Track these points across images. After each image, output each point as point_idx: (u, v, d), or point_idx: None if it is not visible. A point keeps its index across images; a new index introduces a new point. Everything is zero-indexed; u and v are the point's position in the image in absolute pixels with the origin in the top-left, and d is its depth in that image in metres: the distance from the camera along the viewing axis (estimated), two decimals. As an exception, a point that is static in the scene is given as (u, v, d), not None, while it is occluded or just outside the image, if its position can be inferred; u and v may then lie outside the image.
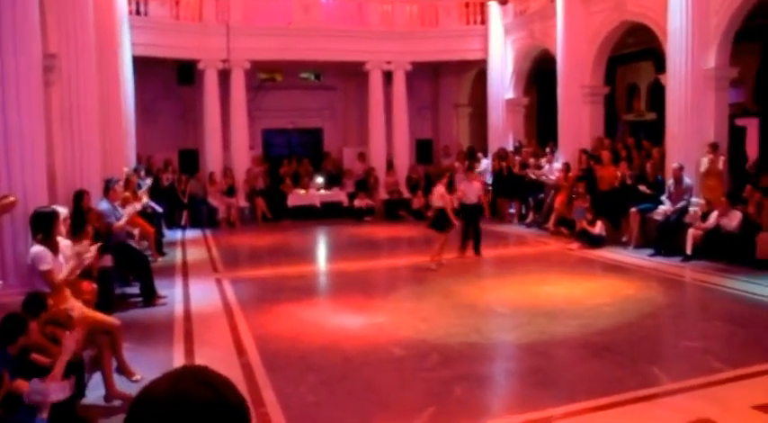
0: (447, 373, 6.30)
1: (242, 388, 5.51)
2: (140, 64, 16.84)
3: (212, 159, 18.92)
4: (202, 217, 17.75)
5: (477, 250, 12.75)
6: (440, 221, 11.62)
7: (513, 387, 6.38)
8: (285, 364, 6.69)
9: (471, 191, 13.09)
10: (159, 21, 17.66)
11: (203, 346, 7.30)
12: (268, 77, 22.04)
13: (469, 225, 12.77)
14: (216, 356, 6.82)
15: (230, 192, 18.40)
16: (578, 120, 16.62)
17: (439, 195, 11.74)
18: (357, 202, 19.12)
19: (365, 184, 19.92)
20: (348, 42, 19.56)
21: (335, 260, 14.03)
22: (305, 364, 6.64)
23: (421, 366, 6.53)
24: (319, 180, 19.91)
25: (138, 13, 17.28)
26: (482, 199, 13.79)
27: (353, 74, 21.11)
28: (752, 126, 17.13)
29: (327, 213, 18.62)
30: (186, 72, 19.88)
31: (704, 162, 12.63)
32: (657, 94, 15.86)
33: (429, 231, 12.03)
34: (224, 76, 18.88)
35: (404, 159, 20.91)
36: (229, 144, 19.18)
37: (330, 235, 16.77)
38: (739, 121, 16.68)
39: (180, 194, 17.68)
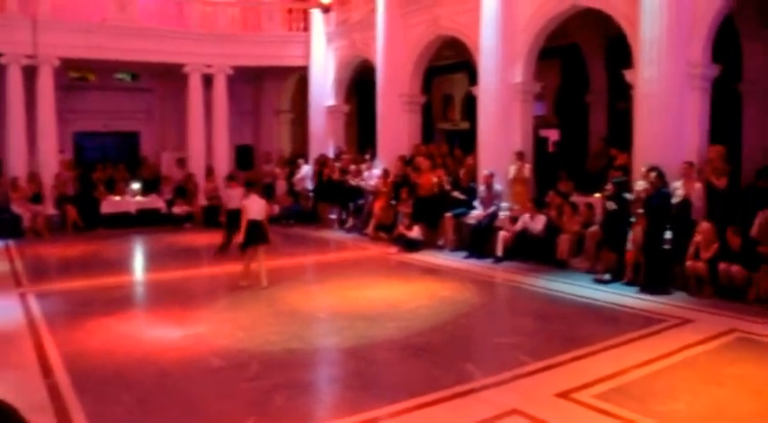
0: (267, 382, 6.23)
1: (48, 413, 5.12)
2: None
3: (16, 164, 17.47)
4: (4, 226, 16.35)
5: (222, 249, 13.16)
6: (260, 234, 10.47)
7: (335, 391, 6.42)
8: (97, 382, 6.29)
9: (232, 197, 13.43)
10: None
11: (2, 370, 6.70)
12: (80, 77, 20.80)
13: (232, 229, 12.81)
14: (16, 380, 6.28)
15: (36, 199, 17.12)
16: (397, 127, 17.14)
17: (260, 207, 10.58)
18: (176, 209, 18.49)
19: (184, 191, 19.29)
20: (166, 43, 18.90)
21: (153, 270, 13.43)
22: (119, 382, 6.28)
23: (241, 376, 6.40)
24: (135, 186, 19.03)
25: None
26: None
27: (172, 76, 20.37)
28: (553, 136, 18.54)
29: (144, 221, 17.83)
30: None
31: (512, 169, 13.49)
32: (471, 105, 16.69)
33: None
34: (30, 74, 17.53)
35: (224, 165, 20.45)
36: (36, 147, 17.83)
37: (147, 243, 16.08)
38: (543, 132, 17.98)
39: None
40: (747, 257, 9.25)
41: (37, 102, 17.69)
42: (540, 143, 16.52)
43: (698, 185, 10.34)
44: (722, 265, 9.34)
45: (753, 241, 9.42)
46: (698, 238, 9.79)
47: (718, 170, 10.52)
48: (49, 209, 17.45)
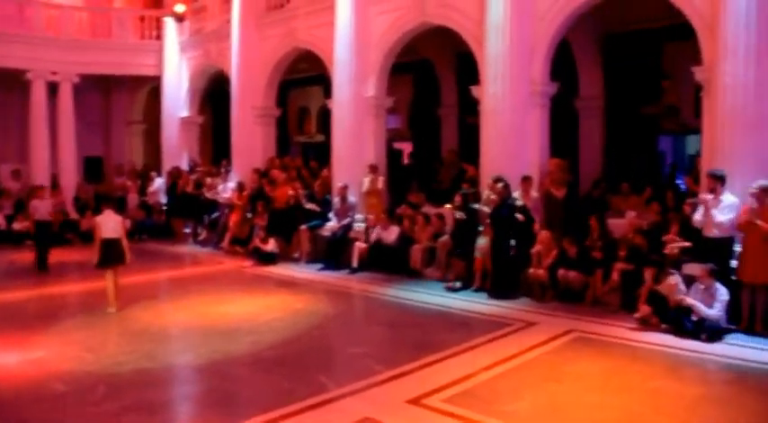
0: (115, 405, 5.95)
1: None
2: None
3: None
4: None
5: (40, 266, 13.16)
6: (115, 254, 9.78)
7: (188, 410, 6.23)
8: None
9: (43, 207, 13.53)
10: None
11: None
12: None
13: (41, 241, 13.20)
14: None
15: None
16: (251, 140, 16.99)
17: (116, 223, 9.85)
18: (16, 225, 17.30)
19: (24, 205, 18.07)
20: (6, 47, 17.71)
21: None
22: (-54, 412, 5.81)
23: (85, 400, 6.07)
24: (-31, 201, 17.69)
25: None
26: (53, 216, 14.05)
27: (12, 82, 19.07)
28: (407, 149, 19.01)
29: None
30: None
31: (365, 181, 13.69)
32: (326, 118, 16.81)
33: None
34: None
35: (71, 178, 19.46)
36: None
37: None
38: (397, 145, 18.39)
39: None
40: (584, 263, 9.88)
41: None
42: (393, 156, 16.88)
43: (534, 195, 10.95)
44: (561, 272, 9.93)
45: (587, 248, 10.07)
46: (538, 246, 10.36)
47: (557, 181, 11.17)
48: None
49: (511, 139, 11.42)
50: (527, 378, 6.66)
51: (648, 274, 8.75)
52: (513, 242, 10.66)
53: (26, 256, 15.13)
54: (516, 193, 10.89)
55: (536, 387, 6.38)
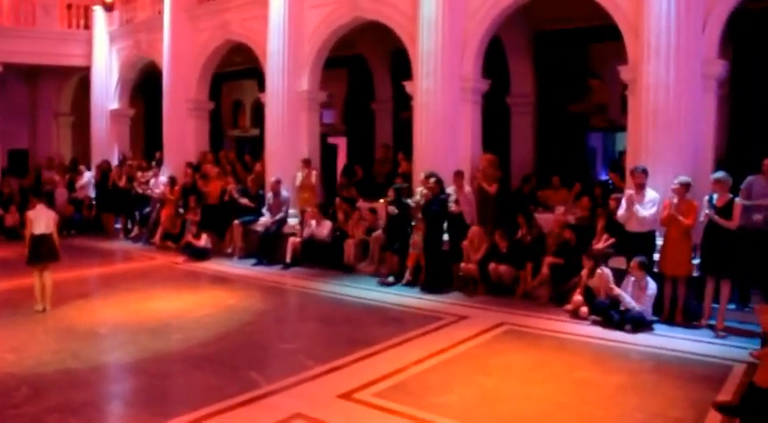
0: (38, 407, 5.78)
1: None
2: None
3: None
4: None
5: None
6: (47, 251, 9.39)
7: (116, 410, 6.10)
8: None
9: None
10: None
11: None
12: None
13: None
14: None
15: None
16: (183, 133, 16.71)
17: (48, 219, 9.45)
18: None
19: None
20: None
21: None
22: None
23: (6, 403, 5.88)
24: None
25: None
26: None
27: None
28: (342, 144, 18.98)
29: None
30: None
31: (299, 176, 13.64)
32: (260, 112, 16.66)
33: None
34: None
35: (-7, 172, 18.78)
36: None
37: None
38: (332, 140, 18.35)
39: None
40: (514, 257, 10.07)
41: None
42: (328, 150, 16.83)
43: (468, 190, 11.08)
44: (492, 265, 10.10)
45: (517, 242, 10.26)
46: (467, 242, 10.51)
47: (489, 177, 11.34)
48: None
49: (443, 134, 11.54)
50: (457, 371, 6.76)
51: (587, 267, 8.99)
52: (446, 237, 10.78)
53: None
54: (450, 189, 11.00)
55: (466, 380, 6.49)
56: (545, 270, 9.75)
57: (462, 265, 10.46)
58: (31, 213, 9.56)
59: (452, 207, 10.77)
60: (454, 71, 11.59)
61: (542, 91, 15.15)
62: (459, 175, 11.11)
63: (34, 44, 18.76)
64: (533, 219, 10.58)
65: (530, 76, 15.15)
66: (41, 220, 9.41)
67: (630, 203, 8.88)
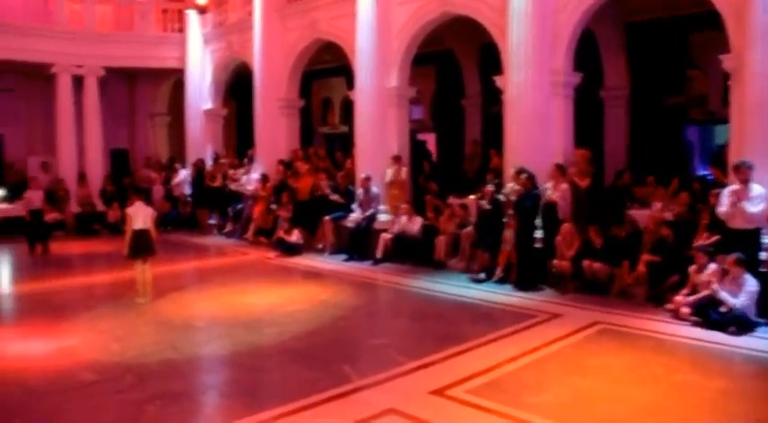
0: (141, 394, 6.03)
1: None
2: None
3: None
4: None
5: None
6: (145, 245, 9.85)
7: (212, 400, 6.29)
8: (-47, 402, 5.89)
9: (36, 197, 15.06)
10: None
11: None
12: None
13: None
14: None
15: None
16: (275, 131, 17.01)
17: (146, 215, 9.89)
18: (45, 217, 17.49)
19: (53, 197, 18.31)
20: (31, 41, 17.93)
21: (20, 281, 12.64)
22: (-24, 400, 5.92)
23: (113, 389, 6.17)
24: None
25: None
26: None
27: (38, 76, 19.31)
28: (431, 140, 18.94)
29: (9, 230, 16.63)
30: None
31: (389, 173, 13.67)
32: (349, 109, 16.81)
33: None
34: None
35: (97, 170, 19.66)
36: None
37: (13, 253, 15.14)
38: (421, 136, 18.33)
39: None
40: (609, 254, 9.79)
41: None
42: (417, 146, 16.81)
43: (564, 186, 10.82)
44: (586, 263, 9.85)
45: (613, 238, 9.97)
46: (559, 238, 10.28)
47: (582, 172, 11.05)
48: None
49: (534, 129, 11.33)
50: (551, 370, 6.62)
51: (697, 263, 8.64)
52: (539, 233, 10.58)
53: (56, 247, 15.39)
54: (549, 184, 10.78)
55: (560, 379, 6.35)
56: (641, 268, 9.43)
57: (555, 261, 10.25)
58: (130, 210, 9.97)
59: (549, 194, 10.51)
60: (545, 64, 11.36)
61: (637, 83, 14.68)
62: (558, 168, 10.81)
63: (132, 48, 19.55)
64: (626, 214, 10.24)
65: (623, 68, 14.71)
66: (140, 216, 9.81)
67: (736, 200, 8.48)
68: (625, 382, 6.29)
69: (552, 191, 10.70)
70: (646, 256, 9.44)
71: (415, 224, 12.52)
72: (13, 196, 17.67)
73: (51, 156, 19.62)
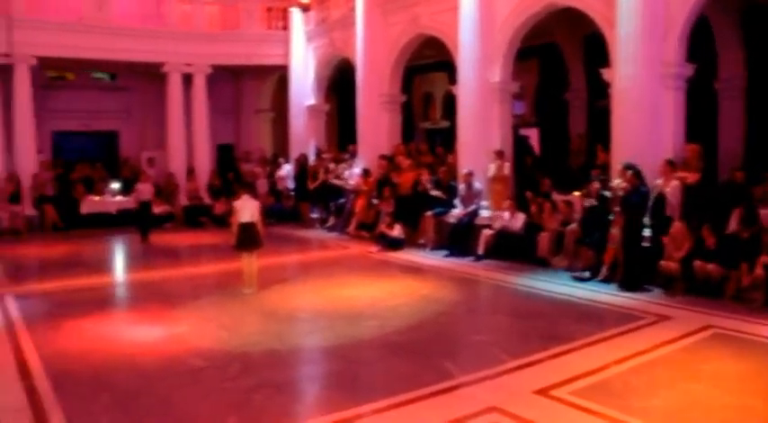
0: (248, 382, 6.22)
1: (25, 414, 5.12)
2: None
3: (-8, 164, 17.33)
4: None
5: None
6: (252, 238, 10.12)
7: (315, 391, 6.42)
8: (76, 384, 6.25)
9: (146, 189, 16.01)
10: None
11: (-23, 372, 6.65)
12: (58, 76, 20.60)
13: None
14: (-6, 382, 6.25)
15: (15, 199, 16.99)
16: (377, 126, 17.12)
17: (253, 208, 10.16)
18: (156, 209, 18.31)
19: (163, 190, 19.16)
20: (145, 42, 18.83)
21: (133, 270, 13.33)
22: (97, 383, 6.25)
23: (222, 376, 6.39)
24: (115, 186, 18.91)
25: None
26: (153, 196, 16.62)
27: (151, 75, 20.27)
28: (534, 135, 18.60)
29: (124, 221, 17.55)
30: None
31: (491, 168, 13.53)
32: (451, 104, 16.72)
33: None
34: (6, 72, 17.35)
35: (205, 164, 20.41)
36: (14, 147, 17.66)
37: (127, 243, 15.96)
38: (523, 131, 18.04)
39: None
40: (723, 254, 9.33)
41: (13, 101, 17.51)
42: (519, 142, 16.56)
43: (675, 183, 10.40)
44: (698, 263, 9.41)
45: (728, 238, 9.50)
46: (669, 237, 9.87)
47: (693, 168, 10.60)
48: (28, 209, 17.31)
49: (643, 123, 10.93)
50: (661, 375, 6.38)
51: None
52: (647, 232, 10.22)
53: (165, 239, 16.11)
54: (659, 181, 10.39)
55: (671, 385, 6.10)
56: (759, 271, 8.93)
57: (663, 262, 9.87)
58: (237, 203, 10.28)
59: (659, 191, 10.14)
60: (655, 56, 10.94)
61: (754, 74, 13.92)
62: (668, 164, 10.40)
63: (238, 47, 20.14)
64: (755, 213, 9.67)
65: (740, 57, 13.97)
66: (247, 210, 10.07)
67: None
68: (742, 391, 5.98)
69: (662, 187, 10.31)
70: (765, 258, 8.94)
71: (518, 220, 12.35)
72: (126, 189, 18.51)
73: (162, 151, 20.54)
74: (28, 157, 17.82)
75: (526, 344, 7.32)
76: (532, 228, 12.20)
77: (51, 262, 13.80)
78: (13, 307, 9.33)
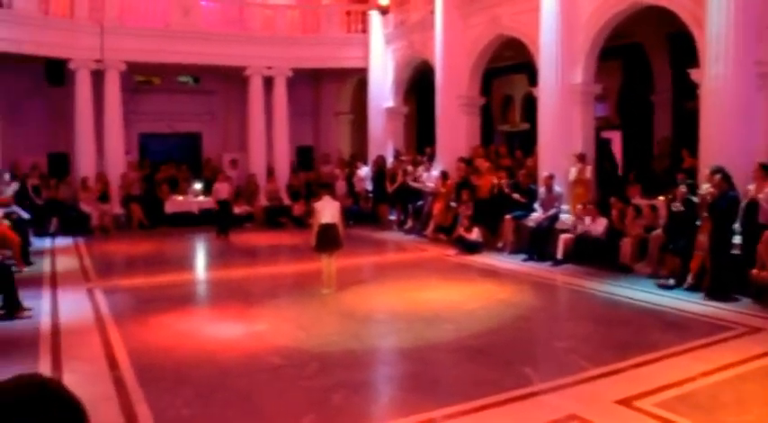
0: (326, 381, 6.27)
1: (114, 403, 5.31)
2: (3, 60, 16.00)
3: (85, 164, 18.09)
4: (74, 224, 16.94)
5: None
6: (332, 239, 10.15)
7: (392, 392, 6.43)
8: (160, 377, 6.45)
9: (223, 189, 16.68)
10: (25, 14, 16.53)
11: (71, 361, 6.91)
12: (145, 80, 21.36)
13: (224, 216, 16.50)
14: (85, 371, 6.50)
15: (104, 198, 17.72)
16: (455, 129, 17.03)
17: (334, 209, 10.22)
18: (236, 209, 18.76)
19: (243, 191, 19.64)
20: (228, 46, 19.26)
21: (214, 268, 13.71)
22: (180, 377, 6.44)
23: (300, 375, 6.47)
24: (198, 186, 19.45)
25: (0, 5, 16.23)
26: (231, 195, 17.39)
27: (233, 78, 20.80)
28: (616, 138, 18.17)
29: (206, 220, 18.02)
30: (56, 71, 18.79)
31: (573, 171, 13.28)
32: (530, 106, 16.49)
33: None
34: (98, 77, 18.09)
35: (284, 166, 20.77)
36: (103, 148, 18.40)
37: (209, 242, 16.40)
38: (606, 134, 17.65)
39: (32, 197, 16.62)
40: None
41: (104, 105, 18.25)
42: (601, 145, 16.20)
43: (768, 189, 9.95)
44: (795, 274, 8.98)
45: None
46: (761, 245, 9.42)
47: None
48: (116, 208, 18.01)
49: (735, 126, 10.48)
50: (753, 389, 6.10)
51: None
52: (738, 239, 9.81)
53: (245, 238, 16.48)
54: (751, 186, 9.97)
55: (764, 401, 5.84)
56: None
57: (755, 271, 9.45)
58: (318, 204, 10.39)
59: (751, 197, 9.72)
60: (748, 55, 10.47)
61: None
62: (762, 169, 9.94)
63: (318, 50, 20.40)
64: None
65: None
66: (327, 211, 10.14)
67: None
68: None
69: (755, 193, 9.88)
70: None
71: (600, 225, 12.07)
72: (208, 189, 18.91)
73: (243, 152, 21.01)
74: (117, 158, 18.56)
75: (608, 352, 7.14)
76: (614, 233, 11.90)
77: (137, 259, 14.34)
78: (102, 301, 9.71)
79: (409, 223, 17.20)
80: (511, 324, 8.43)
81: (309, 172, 21.80)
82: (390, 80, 20.47)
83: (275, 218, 19.07)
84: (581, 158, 13.26)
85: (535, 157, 14.42)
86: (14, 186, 14.89)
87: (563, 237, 12.40)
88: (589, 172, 13.32)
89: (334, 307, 9.40)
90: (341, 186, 19.66)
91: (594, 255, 11.93)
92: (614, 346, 7.38)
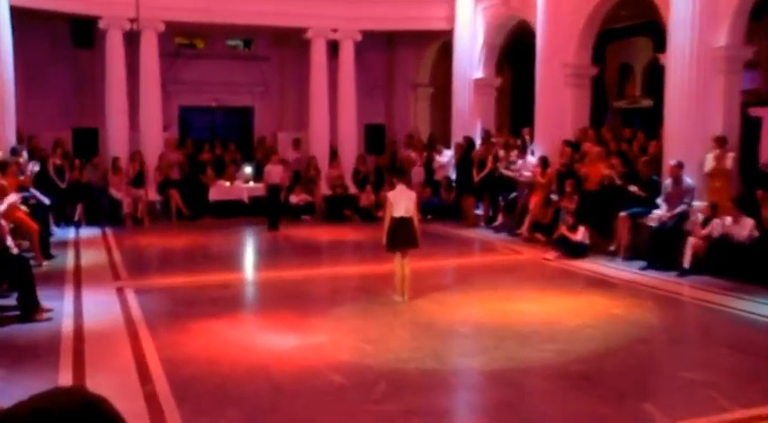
0: (397, 406, 6.22)
1: (144, 421, 5.29)
2: (23, 18, 16.40)
3: (116, 142, 18.56)
4: (102, 212, 17.36)
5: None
6: (406, 236, 10.01)
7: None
8: (200, 393, 6.52)
9: (275, 172, 17.17)
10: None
11: (97, 372, 7.03)
12: (187, 43, 21.76)
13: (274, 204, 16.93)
14: (113, 384, 6.55)
15: (138, 182, 18.08)
16: (559, 106, 16.75)
17: (409, 201, 10.06)
18: (293, 199, 18.92)
19: (302, 177, 19.73)
20: (285, 4, 19.37)
21: (266, 267, 13.84)
22: (224, 394, 6.47)
23: (366, 398, 6.43)
24: (248, 170, 19.70)
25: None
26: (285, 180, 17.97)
27: (292, 43, 20.97)
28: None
29: (257, 210, 18.20)
30: (84, 31, 19.27)
31: (709, 159, 12.85)
32: (655, 77, 16.06)
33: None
34: (132, 39, 18.48)
35: (351, 148, 20.83)
36: (138, 123, 18.78)
37: (260, 236, 16.57)
38: (753, 111, 16.97)
39: (54, 180, 16.98)
40: None
41: (139, 72, 18.61)
42: (749, 125, 15.62)
43: None
44: None
45: None
46: None
47: None
48: (151, 194, 18.37)
49: None
50: None
51: None
52: None
53: (303, 233, 16.59)
54: None
55: None
56: None
57: None
58: (391, 194, 10.29)
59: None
60: None
61: None
62: None
63: (393, 9, 20.28)
64: None
65: None
66: (402, 202, 10.03)
67: None
68: None
69: None
70: None
71: (744, 227, 11.63)
72: (259, 174, 19.06)
73: (301, 131, 21.14)
74: (153, 136, 18.95)
75: (753, 388, 6.84)
76: (763, 237, 11.44)
77: (175, 254, 14.62)
78: (133, 303, 9.89)
79: (500, 219, 17.06)
80: (626, 347, 8.18)
81: (380, 156, 21.80)
82: (480, 46, 20.23)
83: (338, 209, 19.15)
84: (721, 143, 12.80)
85: (660, 140, 14.07)
86: (33, 167, 15.29)
87: (693, 241, 12.02)
88: (731, 160, 12.85)
89: (410, 317, 9.34)
90: (418, 173, 19.61)
91: (735, 264, 11.51)
92: (762, 382, 7.08)
